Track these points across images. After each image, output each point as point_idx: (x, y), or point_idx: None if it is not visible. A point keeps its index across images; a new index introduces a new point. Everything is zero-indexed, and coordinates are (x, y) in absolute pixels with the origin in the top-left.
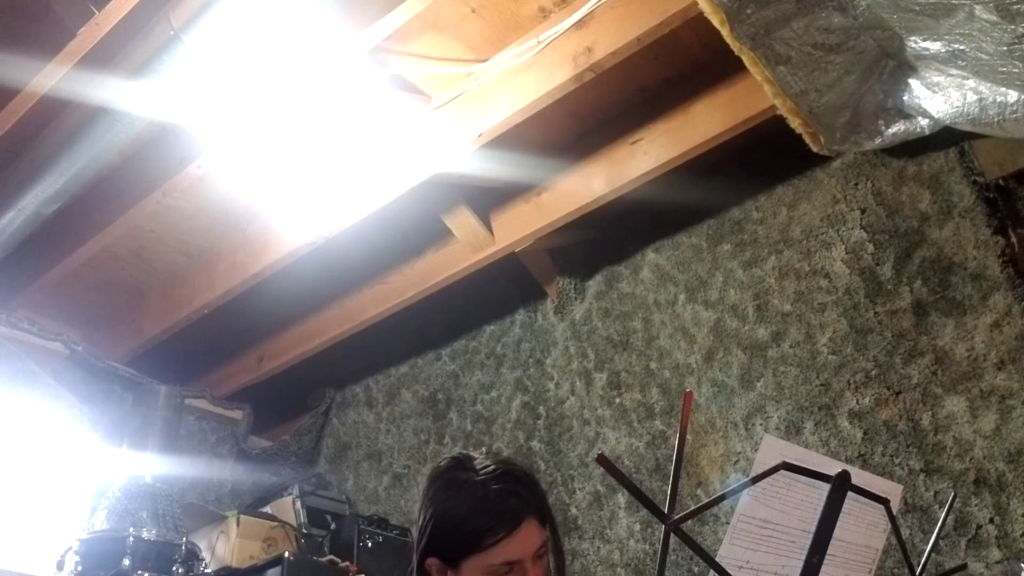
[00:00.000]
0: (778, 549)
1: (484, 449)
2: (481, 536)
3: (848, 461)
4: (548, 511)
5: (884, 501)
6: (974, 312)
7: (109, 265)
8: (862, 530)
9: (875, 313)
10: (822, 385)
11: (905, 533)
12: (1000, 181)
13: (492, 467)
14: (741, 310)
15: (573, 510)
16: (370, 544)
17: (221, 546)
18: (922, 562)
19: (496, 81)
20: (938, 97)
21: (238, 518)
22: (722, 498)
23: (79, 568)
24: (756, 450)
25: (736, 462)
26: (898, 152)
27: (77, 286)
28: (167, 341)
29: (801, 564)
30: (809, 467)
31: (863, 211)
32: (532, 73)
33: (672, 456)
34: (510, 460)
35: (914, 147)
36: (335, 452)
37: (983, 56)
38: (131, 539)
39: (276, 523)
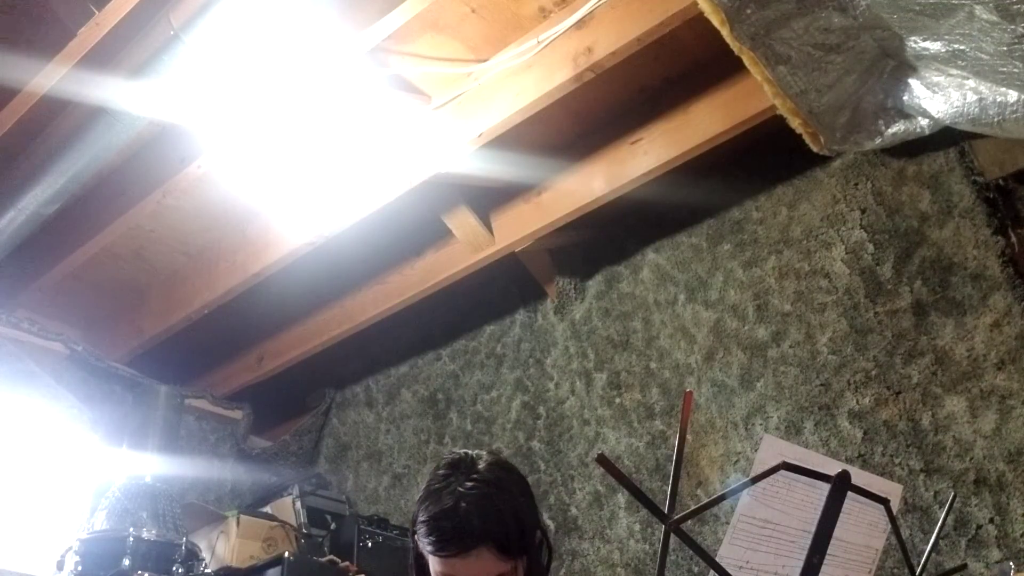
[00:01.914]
0: (778, 549)
1: (494, 457)
2: (434, 543)
3: (848, 461)
4: (520, 544)
5: (884, 501)
6: (974, 312)
7: (109, 265)
8: (862, 530)
9: (875, 313)
10: (822, 385)
11: (905, 533)
12: (1000, 181)
13: (473, 485)
14: (741, 310)
15: (573, 510)
16: (370, 544)
17: (221, 546)
18: (922, 562)
19: (496, 81)
20: (938, 97)
21: (238, 518)
22: (722, 498)
23: (79, 568)
24: (756, 450)
25: (736, 462)
26: (898, 152)
27: (77, 286)
28: (167, 341)
29: (801, 564)
30: (809, 467)
31: (863, 211)
32: (532, 73)
33: (672, 456)
34: (502, 484)
35: (914, 147)
36: (335, 452)
37: (983, 56)
38: (131, 539)
39: (276, 523)
